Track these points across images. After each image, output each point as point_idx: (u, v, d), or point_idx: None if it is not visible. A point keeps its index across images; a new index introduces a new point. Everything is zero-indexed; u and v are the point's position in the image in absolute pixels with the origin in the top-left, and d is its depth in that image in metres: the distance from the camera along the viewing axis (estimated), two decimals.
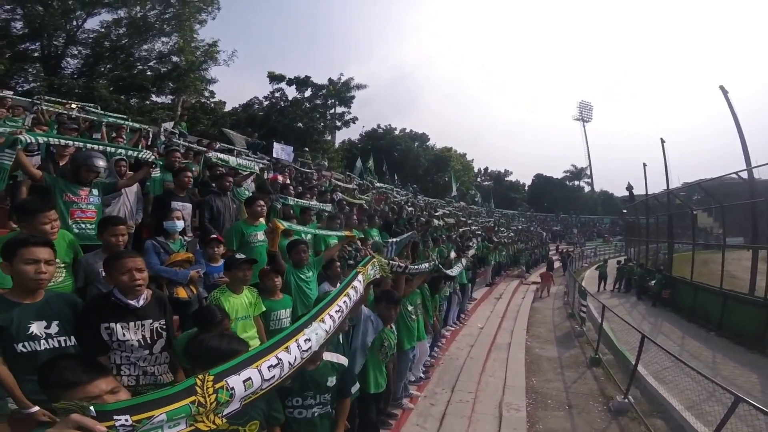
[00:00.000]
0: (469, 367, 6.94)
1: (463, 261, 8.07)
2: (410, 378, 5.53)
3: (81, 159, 3.43)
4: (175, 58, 24.86)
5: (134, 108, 22.24)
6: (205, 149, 7.34)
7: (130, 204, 4.36)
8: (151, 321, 2.28)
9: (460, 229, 15.59)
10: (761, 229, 10.03)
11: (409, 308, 4.63)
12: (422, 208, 18.26)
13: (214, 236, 3.74)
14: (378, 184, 20.85)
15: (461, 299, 9.71)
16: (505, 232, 24.58)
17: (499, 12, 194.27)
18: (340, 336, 3.02)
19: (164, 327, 2.33)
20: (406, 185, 29.47)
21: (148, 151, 4.33)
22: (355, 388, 2.62)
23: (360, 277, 2.60)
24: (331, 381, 2.42)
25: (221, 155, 6.45)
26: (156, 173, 4.45)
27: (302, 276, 3.83)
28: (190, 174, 4.47)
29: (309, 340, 1.73)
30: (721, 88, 10.87)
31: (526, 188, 64.31)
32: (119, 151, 4.24)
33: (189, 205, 4.26)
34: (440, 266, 5.75)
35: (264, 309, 3.16)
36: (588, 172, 66.06)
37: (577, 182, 65.84)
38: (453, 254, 9.11)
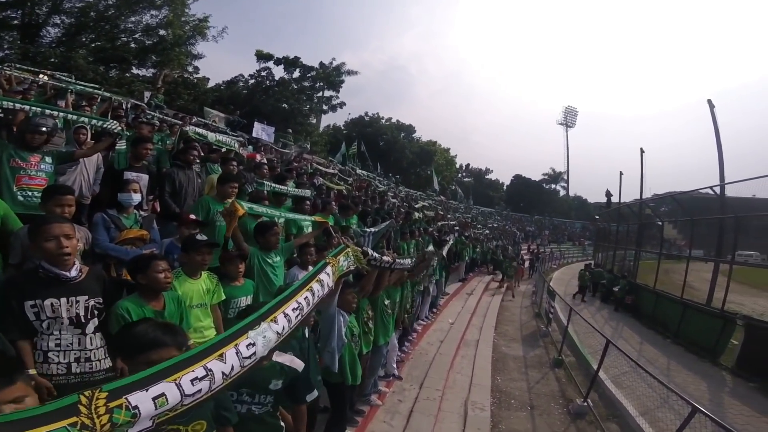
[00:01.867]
0: (438, 363, 6.93)
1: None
2: (380, 374, 5.45)
3: (26, 122, 3.21)
4: (162, 32, 24.20)
5: (113, 79, 21.69)
6: (180, 123, 7.09)
7: (88, 175, 4.08)
8: (86, 297, 2.05)
9: (438, 223, 15.59)
10: (725, 244, 10.45)
11: (386, 303, 4.48)
12: (403, 199, 18.15)
13: (193, 217, 3.38)
14: (360, 172, 20.60)
15: (434, 294, 9.69)
16: (481, 229, 24.87)
17: (500, 13, 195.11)
18: (305, 330, 2.82)
19: (101, 305, 2.10)
20: (388, 175, 29.33)
21: (115, 122, 4.09)
22: (312, 396, 2.43)
23: (328, 269, 2.30)
24: (276, 384, 2.22)
25: (199, 129, 6.16)
26: (122, 145, 4.14)
27: (269, 260, 3.56)
28: (149, 146, 4.17)
29: (253, 344, 1.45)
30: (709, 102, 11.17)
31: (505, 187, 65.44)
32: (82, 119, 4.01)
33: (144, 176, 3.92)
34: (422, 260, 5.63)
35: (224, 297, 2.91)
36: (565, 177, 67.90)
37: (553, 185, 67.67)
38: (430, 247, 9.03)
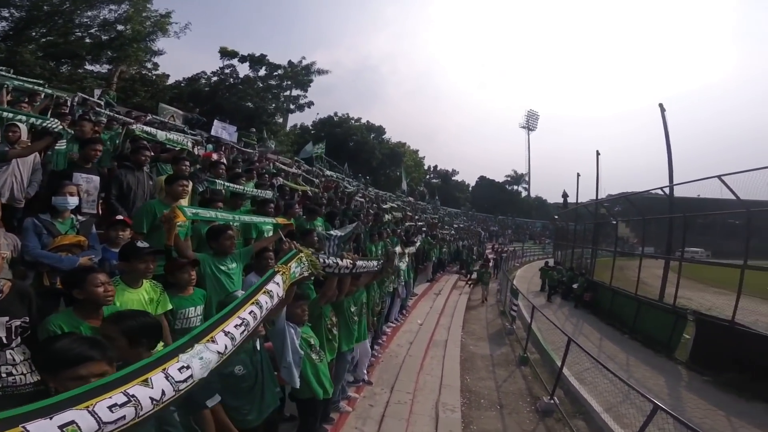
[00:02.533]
0: (408, 365, 6.88)
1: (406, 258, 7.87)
2: (349, 379, 5.28)
3: None
4: (120, 27, 23.07)
5: (63, 76, 20.88)
6: (132, 121, 6.65)
7: (21, 177, 3.69)
8: (7, 318, 1.85)
9: (406, 224, 15.60)
10: (675, 242, 11.13)
11: (353, 309, 4.32)
12: (372, 200, 18.03)
13: (120, 217, 3.09)
14: (328, 173, 20.26)
15: (404, 295, 9.62)
16: (448, 230, 25.22)
17: (469, 18, 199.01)
18: (257, 343, 2.62)
19: (27, 324, 1.91)
20: (358, 176, 29.15)
21: (55, 120, 3.88)
22: (213, 401, 2.22)
23: (278, 278, 2.13)
24: None
25: (147, 128, 5.81)
26: (62, 145, 3.89)
27: (223, 267, 3.28)
28: (99, 146, 3.83)
29: (187, 367, 1.32)
30: (660, 106, 11.83)
31: (470, 189, 67.08)
32: (19, 117, 3.76)
33: (95, 178, 3.62)
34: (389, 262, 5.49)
35: (170, 307, 2.66)
36: (527, 178, 70.64)
37: (516, 187, 70.29)
38: (398, 249, 8.95)
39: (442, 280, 17.22)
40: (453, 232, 26.20)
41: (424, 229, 17.63)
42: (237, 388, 2.41)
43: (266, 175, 8.35)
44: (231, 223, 3.51)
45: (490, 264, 18.91)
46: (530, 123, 74.91)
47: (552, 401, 5.92)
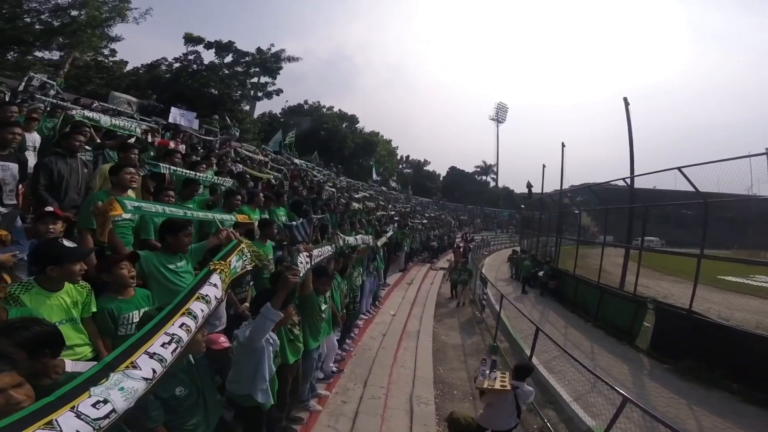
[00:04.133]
0: (381, 358, 6.77)
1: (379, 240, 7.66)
2: (319, 375, 5.08)
3: None
4: (74, 12, 21.60)
5: (8, 63, 19.77)
6: (77, 107, 6.03)
7: None
8: None
9: (378, 213, 15.44)
10: (635, 231, 11.59)
11: (323, 306, 4.08)
12: (343, 189, 17.68)
13: (49, 209, 2.67)
14: (297, 161, 19.70)
15: (373, 288, 9.47)
16: (420, 218, 25.30)
17: (447, 10, 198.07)
18: (190, 356, 2.34)
19: None
20: (329, 165, 28.62)
21: None
22: (155, 420, 2.01)
23: (215, 277, 1.86)
24: None
25: (89, 113, 5.30)
26: None
27: (171, 266, 2.92)
28: (16, 130, 3.35)
29: (104, 402, 1.11)
30: (624, 99, 12.20)
31: (441, 179, 67.91)
32: None
33: (12, 165, 3.17)
34: (344, 244, 5.28)
35: (95, 309, 2.36)
36: (495, 169, 72.35)
37: (484, 177, 71.84)
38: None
39: (414, 270, 17.25)
40: (425, 221, 26.34)
41: (396, 218, 17.56)
42: (180, 408, 2.16)
43: (229, 162, 7.86)
44: (184, 217, 3.13)
45: (466, 257, 17.12)
46: (499, 115, 76.74)
47: None
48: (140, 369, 1.26)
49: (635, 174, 11.70)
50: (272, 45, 34.46)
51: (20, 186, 3.30)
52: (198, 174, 4.59)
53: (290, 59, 34.82)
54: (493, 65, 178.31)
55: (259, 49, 33.82)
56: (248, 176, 7.37)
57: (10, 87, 7.50)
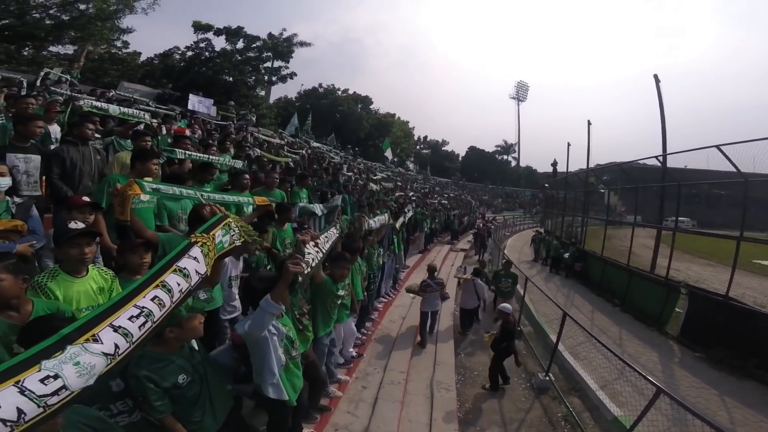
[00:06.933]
0: (401, 341, 6.71)
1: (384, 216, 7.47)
2: (339, 360, 5.06)
3: None
4: (82, 6, 21.82)
5: (24, 58, 20.14)
6: (87, 97, 6.09)
7: None
8: None
9: (396, 194, 15.28)
10: (666, 211, 11.01)
11: (340, 292, 3.99)
12: (361, 171, 17.55)
13: (87, 199, 2.66)
14: (315, 144, 19.64)
15: (391, 270, 9.39)
16: (438, 198, 24.97)
17: None
18: (194, 343, 2.28)
19: None
20: (346, 147, 28.45)
21: None
22: (161, 411, 1.99)
23: (195, 250, 1.71)
24: (119, 385, 1.95)
25: (97, 103, 5.35)
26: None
27: None
28: (39, 123, 3.36)
29: (55, 377, 1.02)
30: (655, 76, 11.39)
31: (460, 159, 66.81)
32: None
33: (35, 157, 3.19)
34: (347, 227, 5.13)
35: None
36: (516, 148, 70.51)
37: (505, 156, 70.13)
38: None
39: (434, 251, 17.09)
40: (444, 201, 25.98)
41: (414, 198, 17.34)
42: (183, 399, 2.11)
43: (246, 147, 7.82)
44: (200, 200, 3.07)
45: (485, 244, 17.27)
46: (520, 94, 74.59)
47: (547, 378, 5.84)
48: (101, 343, 1.16)
49: (668, 152, 11.01)
50: (284, 30, 34.25)
51: (44, 177, 3.34)
52: (209, 158, 4.52)
53: (302, 44, 34.69)
54: (512, 42, 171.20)
55: (270, 35, 33.72)
56: (266, 159, 7.30)
57: (28, 81, 7.62)
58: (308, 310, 3.51)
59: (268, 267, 3.95)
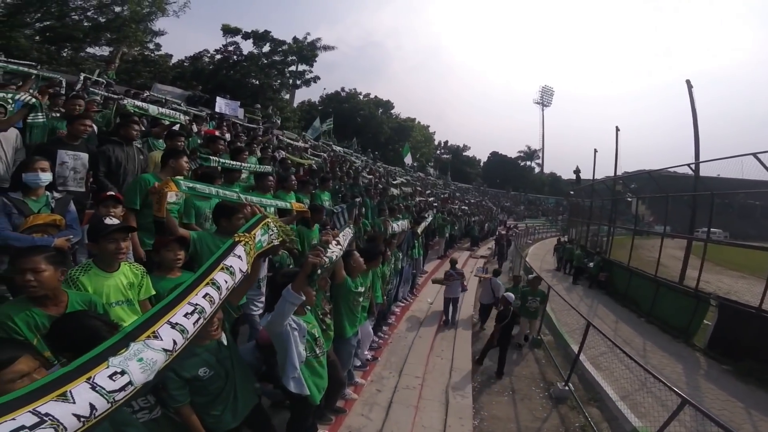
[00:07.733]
0: (418, 346, 6.68)
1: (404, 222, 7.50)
2: (356, 363, 5.11)
3: None
4: (117, 8, 23.12)
5: (64, 59, 21.15)
6: (118, 97, 6.45)
7: (5, 155, 3.43)
8: None
9: (416, 199, 15.27)
10: (698, 221, 10.58)
11: (361, 289, 4.05)
12: (381, 175, 17.66)
13: (111, 193, 2.85)
14: (336, 148, 19.91)
15: (409, 275, 9.39)
16: (459, 204, 24.78)
17: None
18: (222, 337, 2.34)
19: None
20: (367, 151, 28.69)
21: (25, 94, 3.68)
22: (178, 400, 2.04)
23: (239, 249, 1.80)
24: None
25: (138, 103, 5.58)
26: (38, 118, 3.66)
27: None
28: (87, 122, 3.58)
29: (122, 373, 1.07)
30: (687, 82, 11.05)
31: (482, 164, 66.03)
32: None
33: (83, 155, 3.40)
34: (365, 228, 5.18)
35: (153, 292, 2.42)
36: (540, 155, 69.04)
37: (528, 162, 68.78)
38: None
39: (454, 257, 16.95)
40: (465, 207, 25.75)
41: (435, 204, 17.28)
42: (205, 391, 2.16)
43: (270, 150, 8.05)
44: (234, 200, 3.22)
45: (504, 253, 17.38)
46: (545, 99, 73.22)
47: (566, 388, 5.71)
48: (161, 339, 1.22)
49: (701, 160, 10.60)
50: (308, 34, 34.81)
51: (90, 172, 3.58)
52: (241, 165, 4.69)
53: (326, 48, 35.16)
54: (537, 46, 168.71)
55: (295, 38, 34.31)
56: (290, 162, 7.49)
57: (67, 81, 8.10)
58: (330, 309, 3.58)
59: (290, 266, 4.08)
